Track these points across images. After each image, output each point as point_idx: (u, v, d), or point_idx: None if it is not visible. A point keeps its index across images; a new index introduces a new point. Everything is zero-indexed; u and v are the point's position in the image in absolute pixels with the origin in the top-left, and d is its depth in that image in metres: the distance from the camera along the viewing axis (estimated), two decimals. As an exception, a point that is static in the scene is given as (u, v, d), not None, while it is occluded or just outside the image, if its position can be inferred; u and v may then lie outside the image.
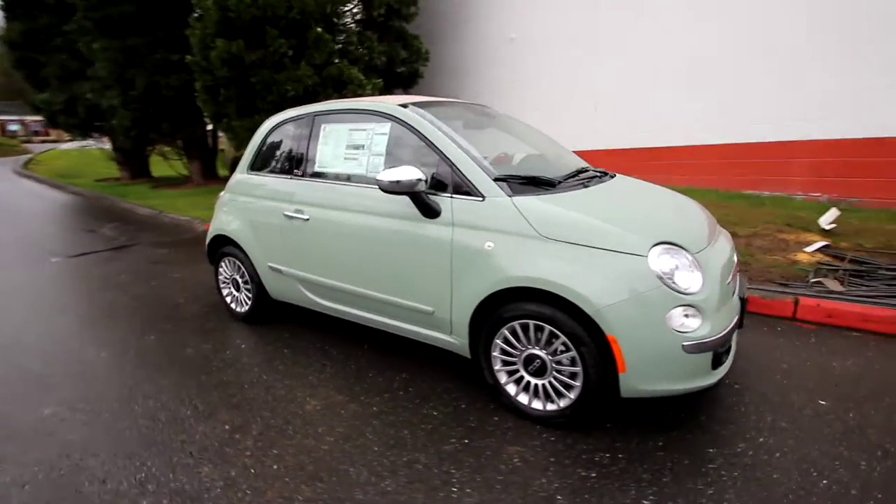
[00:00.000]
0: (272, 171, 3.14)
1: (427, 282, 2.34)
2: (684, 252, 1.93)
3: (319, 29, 7.16)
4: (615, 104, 7.38)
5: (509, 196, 2.11)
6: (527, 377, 2.14)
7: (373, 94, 7.81)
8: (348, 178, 2.66)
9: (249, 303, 3.39)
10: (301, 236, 2.85)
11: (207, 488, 1.83)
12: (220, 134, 10.84)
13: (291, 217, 2.87)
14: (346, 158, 2.70)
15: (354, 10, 7.64)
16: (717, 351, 1.89)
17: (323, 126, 2.83)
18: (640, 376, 1.87)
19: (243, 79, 7.35)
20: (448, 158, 2.25)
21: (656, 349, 1.84)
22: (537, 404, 2.14)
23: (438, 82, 9.96)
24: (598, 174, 2.63)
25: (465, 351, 2.35)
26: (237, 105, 7.58)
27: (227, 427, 2.23)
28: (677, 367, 1.87)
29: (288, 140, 3.07)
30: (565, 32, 7.70)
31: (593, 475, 1.82)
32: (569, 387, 2.03)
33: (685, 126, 6.70)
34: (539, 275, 1.95)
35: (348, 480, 1.84)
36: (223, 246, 3.45)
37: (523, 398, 2.17)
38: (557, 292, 1.91)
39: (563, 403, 2.06)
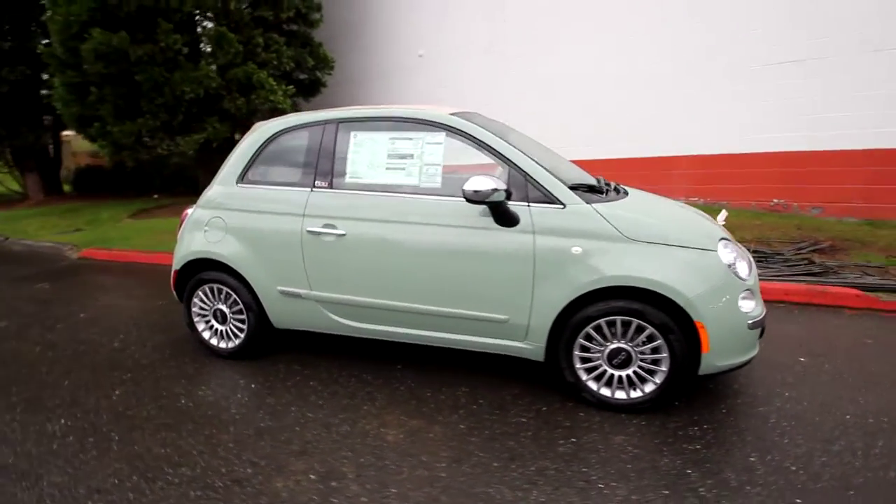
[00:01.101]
0: (279, 183, 2.79)
1: (502, 290, 2.34)
2: (733, 244, 2.29)
3: (223, 27, 6.42)
4: (527, 115, 8.04)
5: (588, 203, 2.25)
6: (610, 370, 2.30)
7: (284, 101, 7.28)
8: (393, 189, 2.52)
9: (242, 335, 2.93)
10: (334, 254, 2.59)
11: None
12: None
13: (318, 233, 2.59)
14: (388, 168, 2.54)
15: (260, 15, 7.00)
16: (764, 325, 2.29)
17: (353, 134, 2.62)
18: (718, 355, 2.16)
19: (125, 77, 6.20)
20: (521, 168, 2.30)
21: (731, 329, 2.15)
22: (620, 394, 2.30)
23: (343, 91, 9.68)
24: (614, 185, 2.92)
25: (537, 355, 2.41)
26: (115, 107, 6.35)
27: (312, 477, 1.93)
28: (742, 343, 2.21)
29: (299, 148, 2.76)
30: (476, 44, 8.14)
31: (698, 447, 2.05)
32: (652, 373, 2.25)
33: (585, 139, 7.63)
34: (633, 273, 2.13)
35: (503, 502, 1.77)
36: (201, 272, 2.93)
37: (606, 391, 2.32)
38: (651, 288, 2.11)
39: (647, 389, 2.26)
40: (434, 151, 2.46)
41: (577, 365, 2.33)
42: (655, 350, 2.21)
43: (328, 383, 2.68)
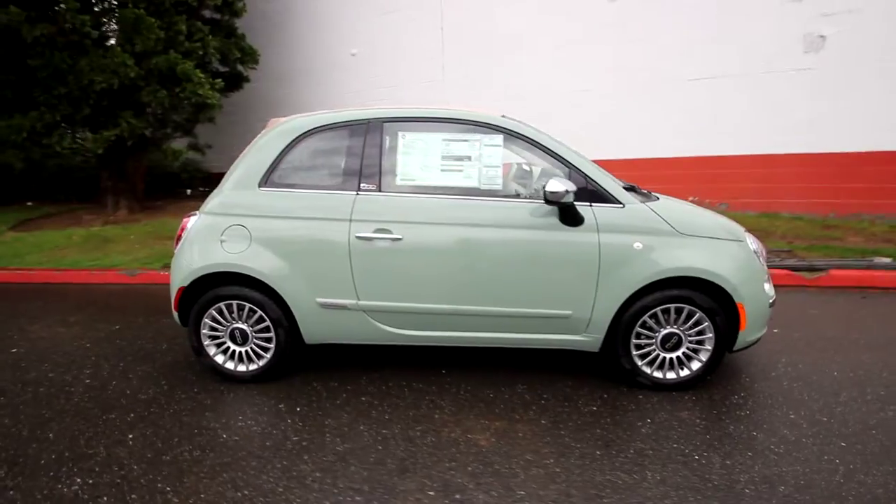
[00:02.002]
0: (315, 186, 2.57)
1: (568, 287, 2.44)
2: (752, 236, 2.67)
3: (140, 10, 5.59)
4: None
5: (642, 202, 2.45)
6: (662, 354, 2.52)
7: (213, 96, 6.57)
8: (451, 191, 2.48)
9: (267, 355, 2.64)
10: (388, 260, 2.46)
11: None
12: None
13: (370, 238, 2.44)
14: (443, 170, 2.49)
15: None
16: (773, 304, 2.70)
17: (401, 135, 2.52)
18: (750, 331, 2.49)
19: (15, 61, 5.09)
20: (581, 171, 2.42)
21: (759, 308, 2.49)
22: (671, 375, 2.54)
23: (266, 87, 9.02)
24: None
25: (593, 346, 2.55)
26: (1, 97, 5.18)
27: (431, 493, 1.83)
28: (764, 320, 2.57)
29: (337, 148, 2.57)
30: (418, 47, 8.14)
31: (748, 412, 2.35)
32: (697, 352, 2.52)
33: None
34: (689, 264, 2.37)
35: (627, 485, 1.86)
36: (215, 288, 2.58)
37: (658, 373, 2.54)
38: (704, 276, 2.37)
39: (694, 367, 2.52)
40: (493, 154, 2.47)
41: (634, 352, 2.52)
42: (700, 332, 2.48)
43: (382, 396, 2.54)
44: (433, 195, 2.49)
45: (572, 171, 2.43)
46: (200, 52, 6.31)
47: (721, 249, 2.44)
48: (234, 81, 8.32)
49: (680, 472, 1.93)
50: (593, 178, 2.43)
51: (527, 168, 2.76)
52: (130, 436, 2.23)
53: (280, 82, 9.10)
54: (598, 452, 2.07)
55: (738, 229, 2.57)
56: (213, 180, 10.45)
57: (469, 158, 2.49)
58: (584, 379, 2.69)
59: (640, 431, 2.22)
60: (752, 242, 2.56)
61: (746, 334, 2.49)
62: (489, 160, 2.47)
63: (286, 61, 8.98)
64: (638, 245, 2.39)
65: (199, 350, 2.67)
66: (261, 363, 2.66)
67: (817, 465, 1.96)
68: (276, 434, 2.22)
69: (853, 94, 5.75)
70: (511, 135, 2.48)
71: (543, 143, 2.46)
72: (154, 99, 5.88)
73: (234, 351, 2.67)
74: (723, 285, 2.38)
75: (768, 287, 2.56)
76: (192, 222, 2.66)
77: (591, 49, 7.04)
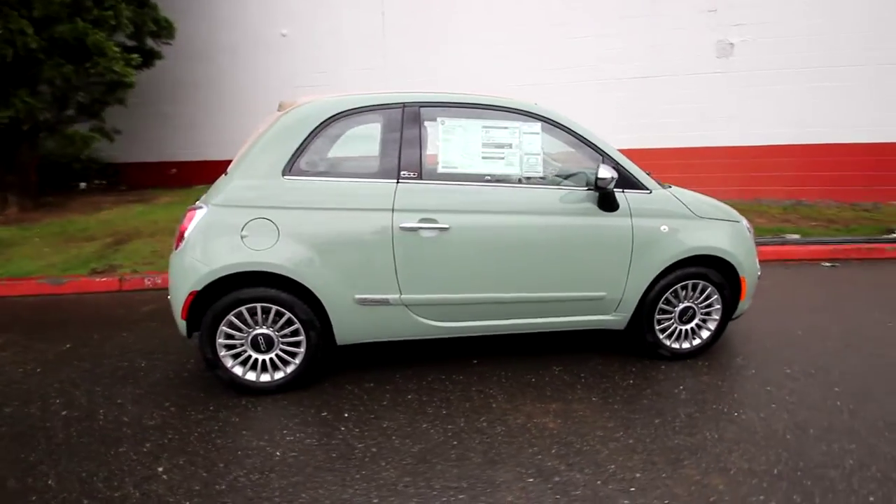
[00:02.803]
0: (349, 174, 2.38)
1: (604, 269, 2.56)
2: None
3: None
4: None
5: (664, 188, 2.64)
6: (679, 326, 2.76)
7: (130, 74, 5.69)
8: (494, 179, 2.45)
9: (297, 361, 2.41)
10: (434, 250, 2.37)
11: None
12: None
13: (415, 229, 2.33)
14: (484, 158, 2.45)
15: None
16: (756, 276, 3.09)
17: (440, 120, 2.42)
18: (747, 301, 2.83)
19: None
20: (613, 158, 2.54)
21: (754, 281, 2.83)
22: (686, 345, 2.79)
23: (182, 66, 8.04)
24: None
25: (620, 324, 2.72)
26: None
27: (531, 480, 1.83)
28: (754, 290, 2.94)
29: (371, 134, 2.40)
30: (354, 30, 7.78)
31: (754, 371, 2.68)
32: (705, 321, 2.79)
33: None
34: (707, 243, 2.62)
35: (696, 446, 2.02)
36: (234, 290, 2.28)
37: (676, 345, 2.78)
38: (717, 254, 2.63)
39: (704, 335, 2.80)
40: (533, 141, 2.49)
41: (656, 326, 2.73)
42: (709, 304, 2.76)
43: (428, 392, 2.46)
44: (476, 183, 2.45)
45: (605, 158, 2.54)
46: (112, 23, 5.38)
47: (728, 230, 2.73)
48: (146, 58, 7.27)
49: (731, 430, 2.15)
50: (624, 165, 2.56)
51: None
52: (160, 468, 1.90)
53: (197, 61, 8.16)
54: (656, 421, 2.22)
55: (736, 212, 2.89)
56: (115, 172, 9.18)
57: (510, 146, 2.48)
58: (609, 356, 2.85)
59: (679, 398, 2.42)
60: (746, 223, 2.90)
61: (744, 304, 2.82)
62: (529, 147, 2.49)
63: (204, 38, 8.07)
64: (664, 228, 2.58)
65: (215, 363, 2.35)
66: (288, 370, 2.42)
67: (825, 408, 2.30)
68: (337, 444, 2.05)
69: (755, 95, 6.70)
70: (548, 122, 2.52)
71: (577, 132, 2.54)
72: (58, 75, 4.91)
73: (254, 360, 2.39)
74: (732, 262, 2.67)
75: (758, 261, 2.93)
76: (199, 216, 2.31)
77: (538, 47, 7.32)
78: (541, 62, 7.40)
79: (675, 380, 2.60)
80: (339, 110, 2.37)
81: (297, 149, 2.33)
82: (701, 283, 2.69)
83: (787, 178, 6.61)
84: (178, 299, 2.29)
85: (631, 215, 2.54)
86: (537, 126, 2.51)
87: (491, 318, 2.57)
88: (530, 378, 2.61)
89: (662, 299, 2.67)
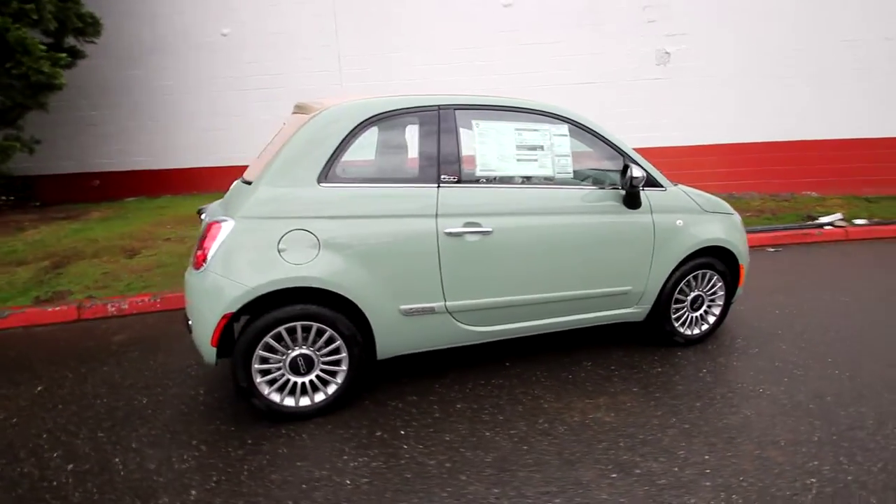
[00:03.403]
0: (389, 180, 2.27)
1: (630, 264, 2.67)
2: None
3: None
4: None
5: (675, 185, 2.81)
6: (691, 314, 2.95)
7: (59, 75, 5.00)
8: (530, 181, 2.47)
9: (338, 380, 2.26)
10: (478, 255, 2.33)
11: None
12: None
13: (459, 234, 2.28)
14: (519, 160, 2.45)
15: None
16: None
17: (475, 123, 2.38)
18: (741, 287, 3.10)
19: None
20: (633, 159, 2.66)
21: (748, 268, 3.11)
22: (696, 331, 2.99)
23: (104, 67, 7.21)
24: None
25: (640, 316, 2.85)
26: None
27: (614, 476, 1.86)
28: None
29: (408, 137, 2.31)
30: (305, 30, 7.44)
31: (757, 350, 2.93)
32: (711, 307, 3.01)
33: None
34: (715, 236, 2.82)
35: (741, 424, 2.17)
36: (273, 309, 2.08)
37: (688, 331, 2.97)
38: (725, 245, 2.85)
39: (711, 321, 3.02)
40: (563, 143, 2.54)
41: (672, 315, 2.90)
42: (714, 291, 2.98)
43: (475, 399, 2.42)
44: (513, 185, 2.45)
45: (625, 158, 2.66)
46: (34, 17, 4.66)
47: (727, 222, 2.97)
48: (71, 56, 6.42)
49: (764, 405, 2.34)
50: (643, 164, 2.69)
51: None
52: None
53: (124, 62, 7.35)
54: (697, 404, 2.36)
55: (730, 206, 3.15)
56: (26, 186, 8.01)
57: (542, 147, 2.51)
58: (626, 346, 2.97)
59: (706, 381, 2.59)
60: (737, 215, 3.17)
61: (740, 290, 3.08)
62: (560, 149, 2.53)
63: (133, 37, 7.28)
64: (679, 222, 2.75)
65: (251, 391, 2.13)
66: (329, 391, 2.26)
67: (828, 376, 2.58)
68: (406, 463, 1.95)
69: (686, 100, 7.36)
70: (574, 125, 2.58)
71: (602, 134, 2.63)
72: (-31, 74, 4.18)
73: (292, 384, 2.20)
74: (734, 251, 2.91)
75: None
76: (225, 230, 2.08)
77: (488, 52, 7.45)
78: (492, 67, 7.55)
79: (696, 364, 2.77)
80: (375, 112, 2.26)
81: (333, 154, 2.18)
82: (708, 273, 2.90)
83: (719, 174, 7.33)
84: (207, 324, 2.05)
85: (651, 212, 2.68)
86: (565, 128, 2.56)
87: (528, 320, 2.58)
88: (567, 375, 2.65)
89: (678, 289, 2.85)
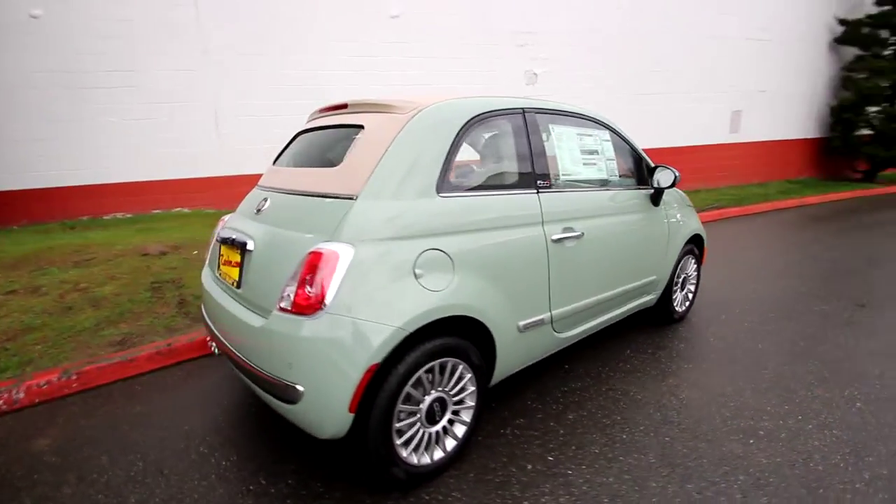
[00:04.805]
0: (497, 188, 2.05)
1: (657, 255, 2.97)
2: None
3: None
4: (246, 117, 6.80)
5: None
6: (679, 294, 3.42)
7: None
8: (595, 184, 2.53)
9: (468, 419, 1.96)
10: (574, 259, 2.29)
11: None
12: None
13: (561, 239, 2.21)
14: (585, 164, 2.49)
15: None
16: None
17: (551, 127, 2.33)
18: (703, 265, 3.73)
19: None
20: (647, 161, 2.96)
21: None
22: (682, 308, 3.47)
23: None
24: None
25: (654, 301, 3.19)
26: None
27: (752, 440, 2.05)
28: (695, 257, 3.87)
29: (503, 141, 2.12)
30: (155, 18, 6.05)
31: (723, 317, 3.57)
32: (686, 283, 3.54)
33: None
34: (696, 225, 3.34)
35: (766, 388, 2.62)
36: (410, 351, 1.69)
37: (680, 309, 3.43)
38: (699, 232, 3.39)
39: (690, 296, 3.55)
40: (609, 147, 2.68)
41: (672, 297, 3.32)
42: (687, 271, 3.53)
43: (580, 405, 2.37)
44: (588, 188, 2.49)
45: (643, 161, 2.95)
46: None
47: (694, 213, 3.55)
48: None
49: (779, 359, 2.86)
50: (652, 166, 3.03)
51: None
52: None
53: None
54: (737, 368, 2.76)
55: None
56: None
57: (597, 152, 2.60)
58: (637, 330, 3.28)
59: (719, 347, 3.03)
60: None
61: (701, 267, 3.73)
62: (608, 153, 2.67)
63: None
64: (678, 215, 3.18)
65: (390, 459, 1.67)
66: (459, 434, 1.93)
67: (794, 328, 3.31)
68: (591, 488, 1.80)
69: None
70: (612, 130, 2.75)
71: (629, 139, 2.86)
72: None
73: (424, 436, 1.81)
74: (703, 237, 3.50)
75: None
76: (345, 259, 1.59)
77: (374, 57, 7.24)
78: (374, 67, 7.34)
79: (701, 333, 3.23)
80: (476, 113, 2.01)
81: (446, 160, 1.88)
82: (691, 257, 3.43)
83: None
84: (342, 384, 1.55)
85: (664, 208, 3.04)
86: (608, 134, 2.72)
87: (593, 319, 2.63)
88: (622, 365, 2.80)
89: (678, 274, 3.29)
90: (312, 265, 1.61)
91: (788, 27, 10.25)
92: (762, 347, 3.02)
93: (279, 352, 1.62)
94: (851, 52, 10.79)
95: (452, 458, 1.92)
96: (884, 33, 10.28)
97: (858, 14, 10.51)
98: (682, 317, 3.47)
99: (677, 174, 2.81)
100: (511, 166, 2.18)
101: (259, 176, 2.50)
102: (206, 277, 2.35)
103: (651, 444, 2.08)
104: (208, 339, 2.30)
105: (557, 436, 2.14)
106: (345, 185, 1.79)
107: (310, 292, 1.58)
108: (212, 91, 6.44)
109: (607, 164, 2.68)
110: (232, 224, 2.19)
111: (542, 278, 2.16)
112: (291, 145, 2.48)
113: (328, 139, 2.17)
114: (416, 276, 1.70)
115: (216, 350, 2.22)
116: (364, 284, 1.62)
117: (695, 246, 3.43)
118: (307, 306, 1.58)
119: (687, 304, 3.54)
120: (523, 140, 2.21)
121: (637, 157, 2.93)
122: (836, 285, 4.18)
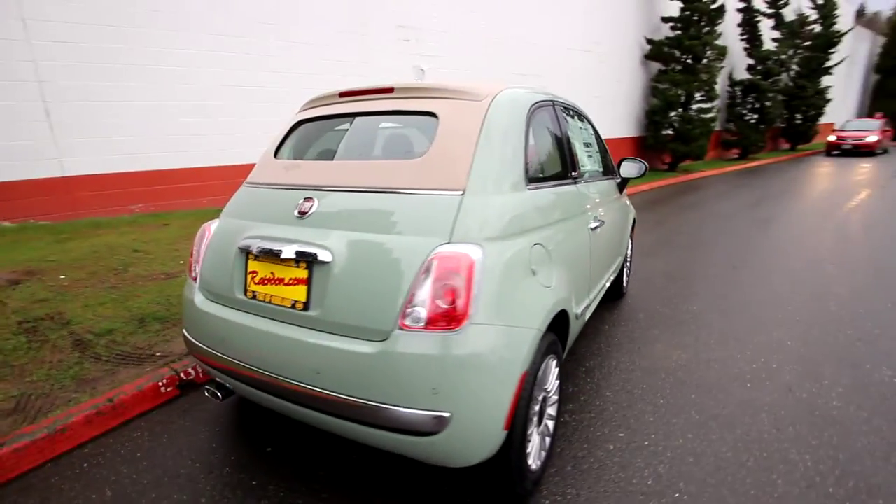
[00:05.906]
0: (555, 178, 2.04)
1: (625, 237, 3.30)
2: None
3: None
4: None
5: (616, 174, 3.61)
6: (627, 270, 3.85)
7: None
8: (595, 175, 2.67)
9: (555, 416, 1.94)
10: (597, 246, 2.41)
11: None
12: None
13: (595, 228, 2.32)
14: (588, 156, 2.62)
15: None
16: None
17: (567, 119, 2.38)
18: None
19: None
20: (608, 154, 3.25)
21: (626, 231, 4.28)
22: (626, 281, 3.94)
23: None
24: None
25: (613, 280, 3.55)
26: None
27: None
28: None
29: (550, 131, 2.10)
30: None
31: (673, 289, 4.15)
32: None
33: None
34: (634, 211, 3.79)
35: (748, 328, 3.18)
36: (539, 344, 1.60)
37: (626, 284, 3.87)
38: (635, 216, 3.87)
39: (627, 272, 4.03)
40: (594, 140, 2.86)
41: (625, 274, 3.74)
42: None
43: (626, 389, 2.51)
44: (596, 179, 2.62)
45: (606, 153, 3.23)
46: None
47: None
48: None
49: (741, 321, 3.46)
50: (609, 157, 3.34)
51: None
52: None
53: None
54: (703, 333, 3.26)
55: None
56: None
57: (591, 144, 2.76)
58: (601, 308, 3.63)
59: (684, 318, 3.49)
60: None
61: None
62: (595, 145, 2.86)
63: None
64: (626, 201, 3.58)
65: (525, 471, 1.55)
66: (551, 429, 1.89)
67: (744, 289, 4.02)
68: (668, 457, 1.95)
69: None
70: (591, 123, 2.94)
71: (597, 129, 3.09)
72: None
73: (535, 437, 1.73)
74: (636, 219, 4.01)
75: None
76: (480, 259, 1.40)
77: (258, 49, 6.41)
78: (267, 64, 6.59)
79: (659, 306, 3.68)
80: (534, 101, 1.97)
81: (525, 151, 1.80)
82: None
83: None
84: (501, 401, 1.39)
85: (624, 195, 3.39)
86: (590, 126, 2.90)
87: (594, 303, 2.82)
88: (613, 340, 3.07)
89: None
90: (445, 272, 1.39)
91: (615, 42, 12.21)
92: (696, 308, 3.62)
93: (418, 377, 1.36)
94: (657, 66, 13.37)
95: (550, 456, 1.88)
96: (677, 52, 13.00)
97: (660, 35, 13.08)
98: (626, 292, 3.94)
99: (646, 164, 3.16)
100: (557, 157, 2.19)
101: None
102: (207, 304, 1.82)
103: (684, 403, 2.35)
104: (217, 378, 1.82)
105: (611, 412, 2.26)
106: (439, 180, 1.58)
107: (449, 304, 1.37)
108: (36, 77, 4.91)
109: (597, 155, 2.88)
110: (262, 233, 1.72)
111: (587, 267, 2.24)
112: (293, 134, 2.07)
113: (373, 127, 1.88)
114: (533, 272, 1.61)
115: (221, 394, 1.80)
116: (499, 288, 1.46)
117: (632, 229, 3.92)
118: (451, 320, 1.36)
119: (626, 279, 4.02)
120: (558, 131, 2.24)
121: (605, 149, 3.20)
122: (711, 254, 5.22)
